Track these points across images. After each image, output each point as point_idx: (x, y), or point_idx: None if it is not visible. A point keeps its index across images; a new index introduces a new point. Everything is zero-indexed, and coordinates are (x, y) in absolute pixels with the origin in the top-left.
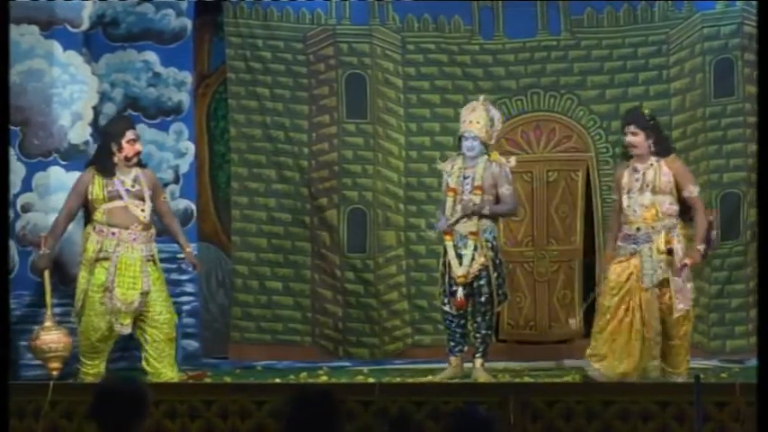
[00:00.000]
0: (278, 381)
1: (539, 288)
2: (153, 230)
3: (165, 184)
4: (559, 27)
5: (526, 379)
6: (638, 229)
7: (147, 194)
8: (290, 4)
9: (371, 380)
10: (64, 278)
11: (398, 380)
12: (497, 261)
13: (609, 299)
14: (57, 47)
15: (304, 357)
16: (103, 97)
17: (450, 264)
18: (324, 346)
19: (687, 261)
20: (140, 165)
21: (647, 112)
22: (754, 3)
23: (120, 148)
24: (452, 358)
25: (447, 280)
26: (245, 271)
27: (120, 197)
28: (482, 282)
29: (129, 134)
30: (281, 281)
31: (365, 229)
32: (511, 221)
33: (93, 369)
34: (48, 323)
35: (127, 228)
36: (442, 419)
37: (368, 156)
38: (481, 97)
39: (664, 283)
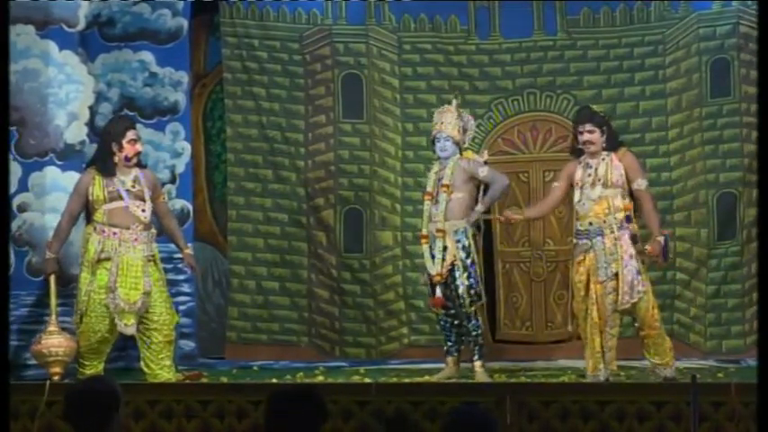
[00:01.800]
0: (275, 381)
1: (535, 288)
2: (154, 230)
3: (162, 184)
4: (556, 27)
5: (522, 379)
6: (591, 223)
7: (147, 195)
8: (286, 3)
9: (368, 380)
10: (60, 279)
11: (395, 380)
12: (469, 261)
13: (579, 302)
14: (53, 47)
15: (301, 357)
16: (99, 97)
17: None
18: (320, 346)
19: (648, 248)
20: (140, 165)
21: (600, 110)
22: (750, 3)
23: (121, 148)
24: (449, 358)
25: (429, 281)
26: (241, 271)
27: (121, 197)
28: (457, 283)
29: (130, 134)
30: (277, 281)
31: (362, 229)
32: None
33: (92, 369)
34: (51, 327)
35: (128, 228)
36: (438, 419)
37: (364, 156)
38: (454, 101)
39: (617, 276)
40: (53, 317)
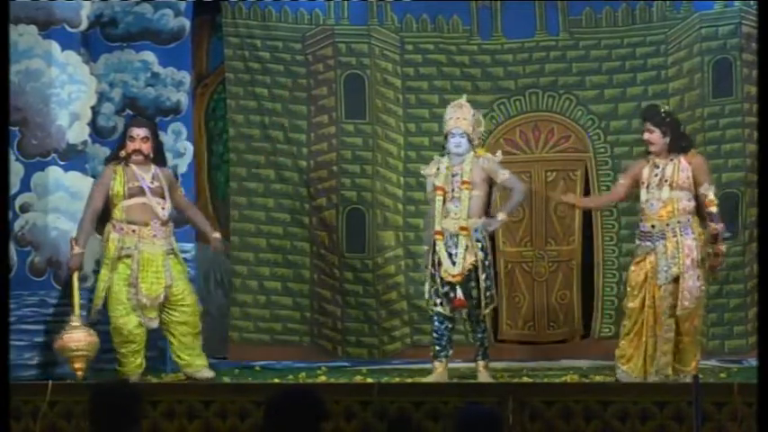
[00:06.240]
0: (277, 381)
1: (537, 288)
2: (171, 225)
3: None
4: (558, 27)
5: (525, 379)
6: (653, 226)
7: (166, 191)
8: (288, 4)
9: (370, 380)
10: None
11: (397, 380)
12: (486, 262)
13: (632, 300)
14: (55, 47)
15: (303, 357)
16: (102, 97)
17: (440, 263)
18: (323, 346)
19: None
20: (158, 162)
21: (664, 109)
22: (752, 3)
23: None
24: (437, 363)
25: (438, 280)
26: (243, 271)
27: (143, 193)
28: (471, 284)
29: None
30: (279, 281)
31: (364, 229)
32: (510, 222)
33: (132, 365)
34: (75, 323)
35: (146, 224)
36: (440, 419)
37: (366, 156)
38: (464, 96)
39: (676, 280)
40: (76, 312)
